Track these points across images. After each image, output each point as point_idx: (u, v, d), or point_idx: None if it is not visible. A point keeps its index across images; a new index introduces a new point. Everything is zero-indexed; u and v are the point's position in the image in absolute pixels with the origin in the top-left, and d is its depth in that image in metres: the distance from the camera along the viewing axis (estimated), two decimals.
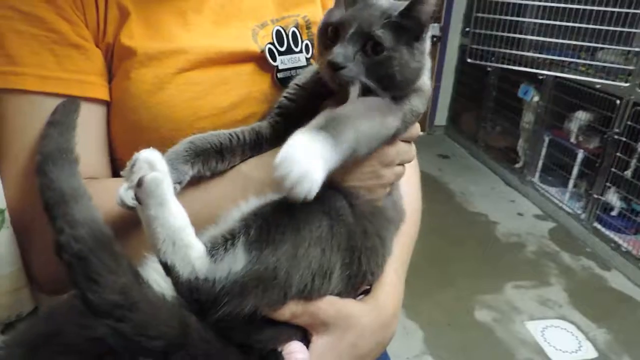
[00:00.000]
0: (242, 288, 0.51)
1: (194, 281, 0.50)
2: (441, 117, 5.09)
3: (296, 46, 0.78)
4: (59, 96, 0.65)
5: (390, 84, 0.62)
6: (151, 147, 0.52)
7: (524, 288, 2.73)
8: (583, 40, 3.06)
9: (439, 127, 5.11)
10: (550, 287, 2.75)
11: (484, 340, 2.35)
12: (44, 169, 0.57)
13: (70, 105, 0.65)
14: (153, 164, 0.49)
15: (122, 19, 0.69)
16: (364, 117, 0.58)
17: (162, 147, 0.64)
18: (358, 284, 0.64)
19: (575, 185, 3.40)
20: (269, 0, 0.81)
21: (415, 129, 0.71)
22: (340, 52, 0.59)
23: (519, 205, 3.70)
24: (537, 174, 3.70)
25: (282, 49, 0.77)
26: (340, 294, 0.60)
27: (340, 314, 0.60)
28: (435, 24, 4.68)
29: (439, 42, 4.73)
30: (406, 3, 0.61)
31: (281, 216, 0.55)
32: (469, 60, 3.81)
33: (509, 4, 3.34)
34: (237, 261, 0.52)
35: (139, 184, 0.48)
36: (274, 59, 0.76)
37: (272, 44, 0.76)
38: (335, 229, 0.58)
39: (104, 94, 0.70)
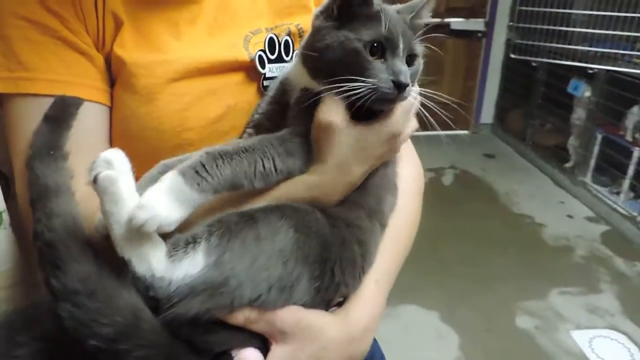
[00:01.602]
0: (192, 290, 0.52)
1: (150, 278, 0.52)
2: (487, 114, 4.92)
3: (287, 55, 0.78)
4: None
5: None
6: (117, 148, 0.53)
7: (570, 295, 2.59)
8: (637, 31, 2.86)
9: (484, 125, 4.95)
10: (600, 294, 2.60)
11: (524, 348, 2.25)
12: (32, 165, 0.61)
13: (67, 102, 0.67)
14: (110, 163, 0.51)
15: (116, 29, 0.71)
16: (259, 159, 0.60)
17: (149, 157, 0.66)
18: (329, 295, 0.62)
19: (630, 186, 3.19)
20: (264, 9, 0.81)
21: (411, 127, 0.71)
22: (404, 70, 0.60)
23: (569, 206, 3.52)
24: (589, 174, 3.50)
25: (273, 57, 0.77)
26: (307, 305, 0.60)
27: (300, 324, 0.59)
28: (480, 19, 4.53)
29: (484, 37, 4.58)
30: (410, 12, 0.66)
31: (244, 226, 0.56)
32: (512, 55, 3.66)
33: None
34: (195, 265, 0.53)
35: (94, 180, 0.50)
36: (263, 67, 0.76)
37: (263, 51, 0.76)
38: (303, 242, 0.58)
39: (107, 100, 0.72)
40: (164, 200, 0.52)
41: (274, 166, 0.61)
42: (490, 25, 4.52)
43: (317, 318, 0.61)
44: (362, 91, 0.59)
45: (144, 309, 0.53)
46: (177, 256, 0.53)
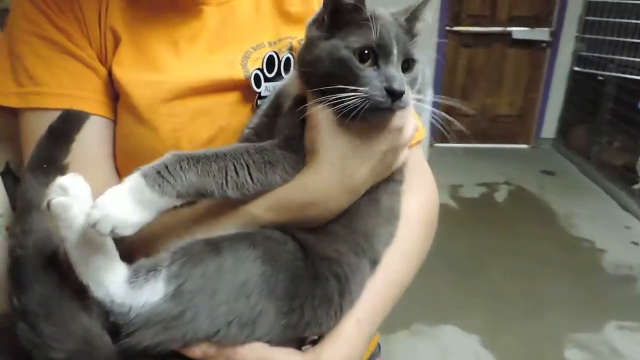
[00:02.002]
0: (148, 321, 0.50)
1: (109, 304, 0.50)
2: (549, 129, 4.67)
3: (287, 72, 0.74)
4: None
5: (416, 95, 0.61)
6: (75, 173, 0.52)
7: (629, 330, 2.38)
8: None
9: (545, 140, 4.69)
10: None
11: None
12: (24, 177, 0.61)
13: (73, 115, 0.67)
14: (66, 189, 0.49)
15: (115, 45, 0.70)
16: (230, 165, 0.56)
17: None
18: (299, 333, 0.58)
19: None
20: (269, 20, 0.78)
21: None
22: (398, 76, 0.56)
23: (636, 232, 3.25)
24: None
25: (271, 75, 0.73)
26: (273, 342, 0.56)
27: None
28: (545, 28, 4.31)
29: (549, 47, 4.34)
30: (405, 14, 0.61)
31: (207, 256, 0.53)
32: (575, 68, 3.44)
33: (626, 4, 2.95)
34: (155, 293, 0.51)
35: (48, 206, 0.49)
36: (259, 85, 0.72)
37: (261, 69, 0.72)
38: (269, 274, 0.54)
39: (111, 114, 0.72)
40: (122, 201, 0.50)
41: (249, 174, 0.57)
42: (556, 35, 4.29)
43: (282, 357, 0.57)
44: (355, 101, 0.55)
45: (100, 334, 0.52)
46: (137, 283, 0.51)
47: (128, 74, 0.68)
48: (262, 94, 0.72)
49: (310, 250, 0.59)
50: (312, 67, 0.60)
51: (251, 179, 0.57)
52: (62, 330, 0.50)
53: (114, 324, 0.51)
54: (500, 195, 3.79)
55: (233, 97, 0.71)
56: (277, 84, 0.72)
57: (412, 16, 0.61)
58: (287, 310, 0.55)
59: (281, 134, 0.63)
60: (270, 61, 0.73)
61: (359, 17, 0.58)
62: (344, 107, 0.55)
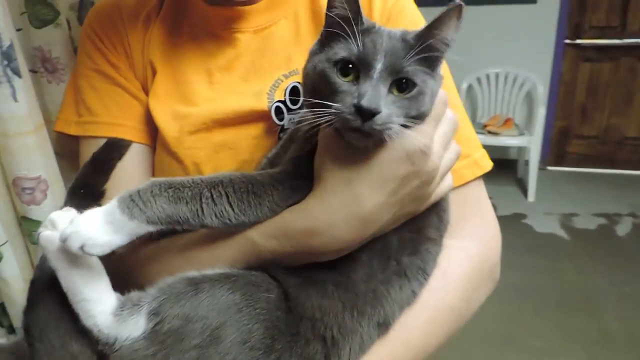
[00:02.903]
0: (126, 355, 0.51)
1: (97, 333, 0.52)
2: None
3: None
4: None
5: (416, 120, 0.53)
6: (68, 207, 0.56)
7: None
8: None
9: None
10: None
11: None
12: (65, 198, 0.68)
13: (116, 144, 0.74)
14: (55, 223, 0.53)
15: (152, 77, 0.75)
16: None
17: None
18: None
19: None
20: (308, 46, 0.75)
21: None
22: (372, 93, 0.49)
23: None
24: None
25: (295, 107, 0.70)
26: None
27: None
28: None
29: None
30: (419, 29, 0.53)
31: (186, 296, 0.53)
32: None
33: None
34: (137, 328, 0.51)
35: (37, 238, 0.53)
36: (281, 118, 0.70)
37: (283, 101, 0.70)
38: (244, 323, 0.52)
39: (152, 142, 0.76)
40: (95, 222, 0.51)
41: (228, 202, 0.54)
42: None
43: None
44: (326, 118, 0.50)
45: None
46: (122, 316, 0.52)
47: (160, 105, 0.72)
48: (286, 127, 0.70)
49: (293, 302, 0.55)
50: (304, 83, 0.58)
51: (231, 208, 0.55)
52: (49, 355, 0.54)
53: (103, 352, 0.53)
54: (622, 229, 3.34)
55: (257, 129, 0.70)
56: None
57: (425, 32, 0.52)
58: None
59: (284, 163, 0.60)
60: (294, 92, 0.70)
61: (352, 30, 0.53)
62: (318, 123, 0.51)
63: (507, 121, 3.77)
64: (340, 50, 0.53)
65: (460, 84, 3.89)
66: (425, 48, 0.52)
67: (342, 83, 0.52)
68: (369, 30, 0.53)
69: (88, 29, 0.77)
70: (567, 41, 3.95)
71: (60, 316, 0.55)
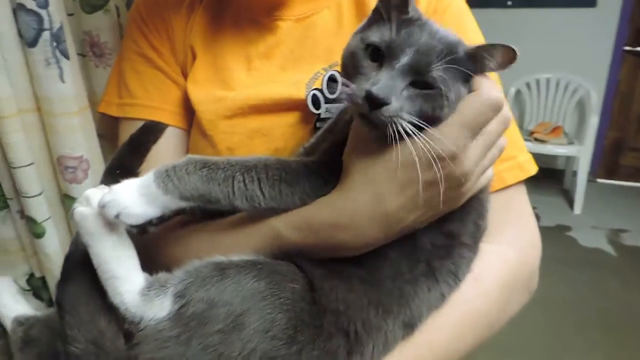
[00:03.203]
0: (149, 336, 0.51)
1: (124, 311, 0.52)
2: None
3: None
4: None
5: (429, 123, 0.50)
6: (103, 185, 0.57)
7: None
8: None
9: None
10: None
11: None
12: (101, 179, 0.70)
13: (152, 127, 0.76)
14: (89, 200, 0.54)
15: (192, 62, 0.76)
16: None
17: None
18: None
19: None
20: (349, 34, 0.75)
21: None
22: (386, 83, 0.48)
23: None
24: None
25: (332, 96, 0.68)
26: None
27: None
28: None
29: None
30: (475, 45, 0.51)
31: (211, 281, 0.52)
32: None
33: None
34: (162, 309, 0.52)
35: (72, 214, 0.55)
36: (318, 107, 0.68)
37: (320, 90, 0.68)
38: (268, 312, 0.51)
39: (188, 125, 0.78)
40: (131, 192, 0.52)
41: (260, 188, 0.54)
42: None
43: None
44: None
45: (114, 338, 0.55)
46: (148, 296, 0.52)
47: (198, 89, 0.73)
48: (322, 116, 0.69)
49: (318, 294, 0.54)
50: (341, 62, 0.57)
51: (262, 193, 0.55)
52: (79, 328, 0.55)
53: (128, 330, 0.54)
54: None
55: (293, 117, 0.70)
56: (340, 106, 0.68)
57: (473, 51, 0.51)
58: (284, 354, 0.51)
59: (320, 152, 0.59)
60: (332, 81, 0.69)
61: (393, 17, 0.52)
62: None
63: (556, 129, 3.62)
64: (374, 34, 0.52)
65: (508, 89, 3.76)
66: (464, 64, 0.50)
67: (367, 66, 0.51)
68: (411, 21, 0.52)
69: (135, 13, 0.80)
70: (627, 48, 3.76)
71: (90, 291, 0.56)
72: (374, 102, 0.47)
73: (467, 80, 0.52)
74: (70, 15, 0.85)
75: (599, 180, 3.94)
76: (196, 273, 0.54)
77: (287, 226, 0.57)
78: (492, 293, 0.62)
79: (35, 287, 0.90)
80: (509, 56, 0.50)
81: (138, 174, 0.73)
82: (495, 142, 0.55)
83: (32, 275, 0.90)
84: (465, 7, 0.73)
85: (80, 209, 0.53)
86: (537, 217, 3.24)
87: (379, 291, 0.55)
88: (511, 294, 0.64)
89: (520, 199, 0.69)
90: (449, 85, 0.50)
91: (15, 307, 0.80)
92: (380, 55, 0.51)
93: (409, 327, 0.56)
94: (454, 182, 0.52)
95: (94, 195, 0.54)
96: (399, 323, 0.55)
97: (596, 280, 2.80)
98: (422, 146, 0.49)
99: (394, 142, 0.49)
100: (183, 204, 0.54)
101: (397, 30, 0.50)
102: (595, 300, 2.59)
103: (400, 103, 0.48)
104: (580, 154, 3.42)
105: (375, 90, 0.47)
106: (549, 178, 3.95)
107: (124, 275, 0.54)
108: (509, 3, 3.92)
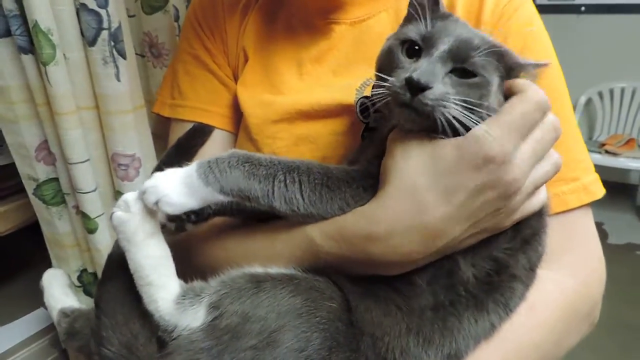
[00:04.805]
0: (181, 346, 0.50)
1: (158, 319, 0.51)
2: None
3: None
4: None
5: (479, 110, 0.47)
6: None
7: None
8: None
9: None
10: None
11: None
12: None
13: (200, 130, 0.76)
14: (128, 204, 0.53)
15: (244, 64, 0.75)
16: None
17: None
18: None
19: None
20: None
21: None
22: (425, 68, 0.46)
23: None
24: None
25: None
26: None
27: None
28: None
29: None
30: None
31: (246, 294, 0.50)
32: None
33: None
34: (196, 319, 0.50)
35: (111, 217, 0.54)
36: (366, 115, 0.65)
37: (369, 98, 0.64)
38: (303, 331, 0.49)
39: (236, 128, 0.77)
40: (173, 181, 0.51)
41: (300, 192, 0.52)
42: None
43: None
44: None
45: (146, 344, 0.54)
46: (183, 304, 0.51)
47: (248, 92, 0.72)
48: (370, 125, 0.66)
49: (354, 315, 0.51)
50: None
51: (302, 196, 0.52)
52: (114, 330, 0.55)
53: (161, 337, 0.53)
54: None
55: (340, 125, 0.67)
56: None
57: (508, 51, 0.50)
58: None
59: (363, 160, 0.57)
60: None
61: (423, 15, 0.51)
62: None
63: (629, 141, 3.37)
64: (410, 31, 0.51)
65: (577, 98, 3.56)
66: (501, 59, 0.49)
67: (405, 61, 0.50)
68: (444, 17, 0.52)
69: (191, 14, 0.80)
70: None
71: (127, 294, 0.56)
72: (415, 88, 0.45)
73: (502, 79, 0.50)
74: (131, 17, 0.87)
75: None
76: (231, 283, 0.52)
77: (322, 235, 0.54)
78: (547, 325, 0.57)
79: (87, 283, 0.93)
80: (537, 70, 0.50)
81: None
82: (546, 151, 0.50)
83: (84, 270, 0.92)
84: (533, 12, 0.68)
85: (119, 214, 0.53)
86: (606, 234, 3.03)
87: (418, 319, 0.51)
88: (569, 326, 0.59)
89: (585, 224, 0.63)
90: (491, 74, 0.48)
91: (63, 299, 0.82)
92: (416, 50, 0.50)
93: (454, 358, 0.52)
94: (503, 190, 0.47)
95: (132, 200, 0.53)
96: (442, 355, 0.51)
97: (626, 295, 2.58)
98: (469, 146, 0.46)
99: (443, 131, 0.46)
100: (222, 198, 0.52)
101: (432, 25, 0.50)
102: (625, 316, 2.39)
103: (444, 87, 0.46)
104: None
105: (415, 75, 0.45)
106: (619, 193, 3.69)
107: (160, 282, 0.53)
108: (582, 9, 3.70)
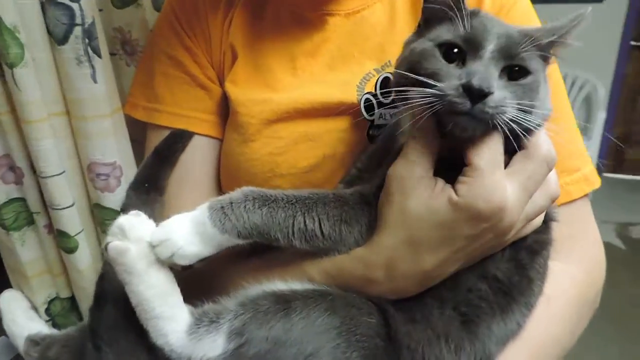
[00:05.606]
0: None
1: (169, 352, 0.48)
2: None
3: None
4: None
5: (530, 121, 0.46)
6: (137, 210, 0.51)
7: None
8: None
9: None
10: None
11: None
12: (127, 194, 0.67)
13: (178, 136, 0.71)
14: (124, 230, 0.48)
15: (232, 62, 0.69)
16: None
17: None
18: None
19: None
20: (403, 35, 0.64)
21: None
22: (484, 72, 0.44)
23: None
24: None
25: (386, 101, 0.63)
26: None
27: None
28: None
29: None
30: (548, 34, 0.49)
31: (275, 316, 0.47)
32: None
33: None
34: (215, 348, 0.47)
35: (105, 249, 0.48)
36: (371, 112, 0.64)
37: (373, 94, 0.64)
38: (342, 352, 0.47)
39: (219, 133, 0.72)
40: (186, 229, 0.48)
41: (320, 229, 0.51)
42: None
43: None
44: (426, 100, 0.44)
45: None
46: (197, 333, 0.48)
47: (240, 91, 0.67)
48: (376, 123, 0.64)
49: (393, 330, 0.50)
50: (396, 72, 0.52)
51: (322, 234, 0.51)
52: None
53: None
54: None
55: (343, 123, 0.65)
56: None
57: (549, 29, 0.49)
58: None
59: (378, 179, 0.54)
60: (385, 84, 0.64)
61: (455, 15, 0.48)
62: (416, 105, 0.46)
63: None
64: (445, 33, 0.49)
65: None
66: (544, 45, 0.48)
67: (447, 65, 0.47)
68: (476, 14, 0.50)
69: (168, 10, 0.73)
70: (633, 43, 3.74)
71: (130, 320, 0.50)
72: (476, 95, 0.43)
73: (544, 64, 0.50)
74: (100, 11, 0.78)
75: (606, 174, 3.93)
76: (253, 306, 0.49)
77: (320, 273, 0.54)
78: (564, 318, 0.60)
79: (57, 313, 0.83)
80: (584, 19, 0.49)
81: (165, 187, 0.69)
82: (538, 185, 0.50)
83: (55, 299, 0.83)
84: (530, 5, 0.70)
85: (116, 243, 0.47)
86: None
87: (446, 326, 0.51)
88: (581, 315, 0.63)
89: (586, 213, 0.66)
90: (537, 66, 0.48)
91: (28, 324, 0.74)
92: (455, 53, 0.48)
93: None
94: (500, 232, 0.49)
95: (129, 226, 0.48)
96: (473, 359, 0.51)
97: (606, 274, 2.77)
98: (465, 200, 0.46)
99: (501, 134, 0.46)
100: (241, 242, 0.50)
101: (468, 24, 0.48)
102: (606, 294, 2.55)
103: (502, 92, 0.44)
104: (588, 148, 3.39)
105: (476, 82, 0.42)
106: None
107: (168, 314, 0.48)
108: None
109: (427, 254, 0.49)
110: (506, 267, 0.53)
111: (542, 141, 0.49)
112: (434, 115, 0.45)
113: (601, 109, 3.42)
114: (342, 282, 0.53)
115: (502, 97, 0.44)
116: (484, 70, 0.44)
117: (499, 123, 0.44)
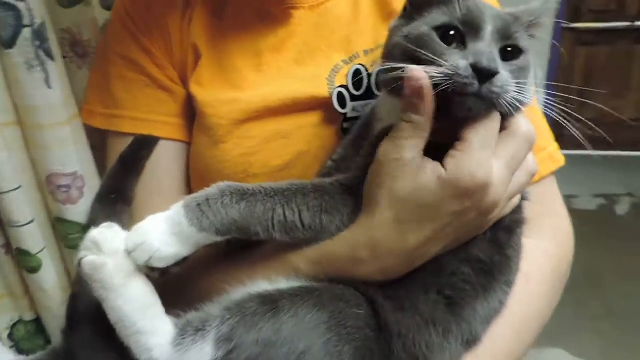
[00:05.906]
0: None
1: None
2: None
3: (380, 89, 0.62)
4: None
5: (525, 101, 0.48)
6: (109, 222, 0.49)
7: None
8: None
9: None
10: None
11: None
12: (92, 207, 0.64)
13: (143, 142, 0.68)
14: (98, 244, 0.46)
15: (195, 62, 0.67)
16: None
17: None
18: None
19: None
20: (368, 25, 0.67)
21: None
22: (490, 52, 0.45)
23: None
24: None
25: (358, 93, 0.63)
26: None
27: None
28: None
29: None
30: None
31: (263, 318, 0.46)
32: None
33: None
34: (202, 357, 0.45)
35: (79, 264, 0.46)
36: (344, 106, 0.63)
37: (345, 87, 0.63)
38: (334, 346, 0.46)
39: (185, 136, 0.70)
40: (161, 230, 0.47)
41: (300, 220, 0.50)
42: None
43: None
44: (436, 76, 0.44)
45: None
46: (183, 345, 0.46)
47: (206, 92, 0.65)
48: (349, 116, 0.64)
49: (383, 319, 0.50)
50: (389, 59, 0.51)
51: (302, 225, 0.50)
52: None
53: None
54: (622, 209, 3.36)
55: (315, 118, 0.64)
56: (369, 104, 0.62)
57: (532, 10, 0.51)
58: None
59: (357, 168, 0.54)
60: (357, 76, 0.63)
61: None
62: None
63: None
64: (440, 16, 0.49)
65: None
66: (527, 26, 0.50)
67: (447, 48, 0.47)
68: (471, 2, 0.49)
69: (120, 10, 0.70)
70: (565, 25, 3.93)
71: (109, 338, 0.48)
72: (484, 75, 0.43)
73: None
74: None
75: None
76: (240, 310, 0.47)
77: (307, 262, 0.53)
78: (543, 292, 0.62)
79: (21, 338, 0.77)
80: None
81: (133, 197, 0.67)
82: (521, 163, 0.51)
83: (18, 322, 0.77)
84: None
85: (91, 258, 0.45)
86: None
87: (431, 310, 0.51)
88: (556, 288, 0.65)
89: (553, 190, 0.69)
90: (529, 50, 0.50)
91: None
92: (452, 36, 0.48)
93: (470, 343, 0.54)
94: (484, 209, 0.49)
95: (103, 239, 0.46)
96: (458, 341, 0.52)
97: None
98: (452, 174, 0.46)
99: (503, 114, 0.48)
100: (219, 239, 0.48)
101: (463, 6, 0.48)
102: None
103: (506, 72, 0.46)
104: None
105: (485, 61, 0.43)
106: None
107: (150, 328, 0.46)
108: None
109: (411, 232, 0.49)
110: (487, 247, 0.54)
111: (522, 121, 0.50)
112: (435, 96, 0.45)
113: (540, 92, 3.58)
114: (329, 267, 0.52)
115: (506, 77, 0.45)
116: (489, 50, 0.45)
117: (503, 103, 0.45)
